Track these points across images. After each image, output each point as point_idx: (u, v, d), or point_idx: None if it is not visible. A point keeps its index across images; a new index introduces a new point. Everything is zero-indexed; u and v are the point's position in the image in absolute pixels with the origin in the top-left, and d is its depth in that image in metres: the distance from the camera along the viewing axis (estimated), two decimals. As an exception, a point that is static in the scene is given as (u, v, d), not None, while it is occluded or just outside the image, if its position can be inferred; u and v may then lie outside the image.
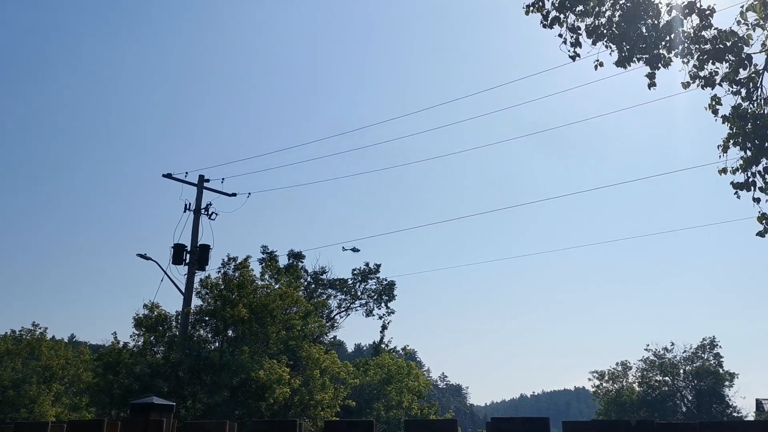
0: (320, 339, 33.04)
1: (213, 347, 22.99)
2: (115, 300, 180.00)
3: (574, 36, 9.06)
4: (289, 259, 37.76)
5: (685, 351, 46.63)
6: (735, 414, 44.18)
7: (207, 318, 23.17)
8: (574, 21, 9.03)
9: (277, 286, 25.45)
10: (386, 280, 41.55)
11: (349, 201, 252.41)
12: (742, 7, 7.89)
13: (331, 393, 23.20)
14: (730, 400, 45.15)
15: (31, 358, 37.07)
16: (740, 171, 8.31)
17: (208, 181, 28.16)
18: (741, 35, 7.92)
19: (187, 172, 27.89)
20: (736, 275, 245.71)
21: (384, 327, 42.26)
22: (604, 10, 8.71)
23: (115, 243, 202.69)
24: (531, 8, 9.21)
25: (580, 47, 9.10)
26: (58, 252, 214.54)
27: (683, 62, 8.42)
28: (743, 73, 8.09)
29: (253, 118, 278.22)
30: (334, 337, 42.54)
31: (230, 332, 23.06)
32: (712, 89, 8.37)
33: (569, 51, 9.15)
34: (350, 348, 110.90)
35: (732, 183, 8.41)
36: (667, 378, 46.32)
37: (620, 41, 8.66)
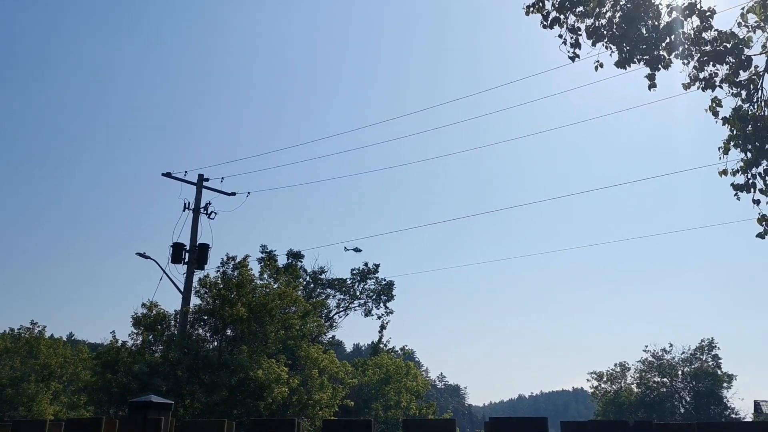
0: (319, 339, 33.04)
1: (212, 346, 22.99)
2: (113, 299, 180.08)
3: (574, 37, 9.05)
4: (288, 259, 37.78)
5: (683, 352, 46.67)
6: (733, 415, 44.19)
7: (206, 317, 23.16)
8: (574, 22, 9.03)
9: (276, 285, 25.45)
10: (385, 280, 41.60)
11: (348, 201, 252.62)
12: (742, 8, 7.90)
13: (329, 393, 23.20)
14: (728, 401, 45.18)
15: (29, 356, 37.05)
16: (740, 173, 8.32)
17: (207, 180, 28.16)
18: (741, 37, 7.92)
19: (186, 171, 27.91)
20: (735, 277, 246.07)
21: (383, 327, 42.29)
22: (604, 11, 8.71)
23: (115, 242, 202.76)
24: (531, 9, 9.21)
25: (580, 48, 9.10)
26: (57, 250, 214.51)
27: (683, 63, 8.42)
28: (743, 75, 8.10)
29: (252, 118, 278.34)
30: (333, 336, 42.58)
31: (229, 331, 23.05)
32: (713, 91, 8.37)
33: (569, 52, 9.14)
34: (349, 348, 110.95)
35: (732, 185, 8.41)
36: (665, 379, 46.32)
37: (620, 42, 8.66)
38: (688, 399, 45.84)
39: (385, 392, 34.45)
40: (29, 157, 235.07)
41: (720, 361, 46.09)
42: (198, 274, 25.33)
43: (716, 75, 8.28)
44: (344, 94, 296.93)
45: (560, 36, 9.13)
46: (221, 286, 23.12)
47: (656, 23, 8.35)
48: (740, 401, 53.18)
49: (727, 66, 8.10)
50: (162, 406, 4.99)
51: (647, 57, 8.56)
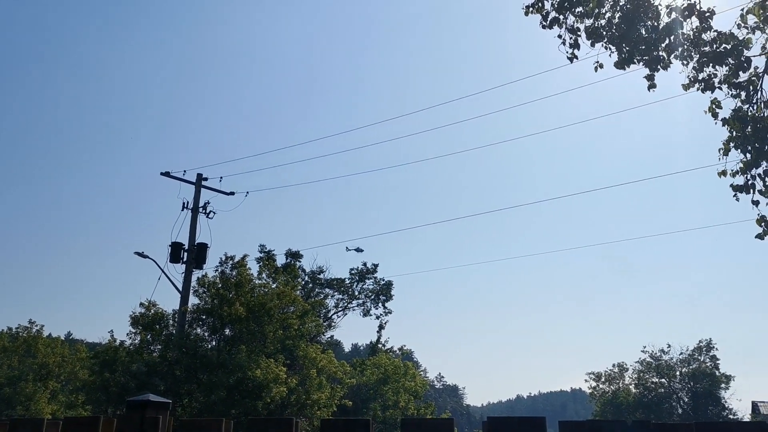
0: (317, 338, 33.03)
1: (210, 346, 22.97)
2: (112, 298, 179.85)
3: (573, 37, 9.05)
4: (286, 259, 37.74)
5: (681, 353, 46.71)
6: (731, 416, 44.22)
7: (204, 316, 23.14)
8: (573, 22, 9.02)
9: (274, 285, 25.45)
10: (384, 280, 41.58)
11: (347, 201, 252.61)
12: (742, 10, 7.89)
13: (327, 392, 23.18)
14: (726, 402, 45.23)
15: (27, 355, 37.01)
16: (740, 174, 8.31)
17: (206, 179, 28.15)
18: (741, 38, 7.92)
19: (185, 171, 27.90)
20: (733, 278, 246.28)
21: (381, 327, 42.27)
22: (604, 11, 8.70)
23: (113, 241, 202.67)
24: (530, 9, 9.20)
25: (579, 49, 9.10)
26: (56, 249, 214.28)
27: (683, 64, 8.42)
28: (743, 76, 8.09)
29: (251, 117, 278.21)
30: (331, 336, 42.60)
31: (227, 331, 23.03)
32: (712, 92, 8.37)
33: (567, 52, 9.14)
34: (347, 348, 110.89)
35: (732, 186, 8.41)
36: (663, 380, 46.36)
37: (620, 43, 8.65)
38: (686, 400, 45.87)
39: (383, 392, 34.43)
40: (27, 157, 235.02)
41: (718, 361, 46.17)
42: (196, 274, 25.34)
43: (715, 76, 8.28)
44: (343, 94, 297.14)
45: (559, 36, 9.12)
46: (220, 285, 23.10)
47: (656, 24, 8.35)
48: (738, 402, 53.19)
49: (727, 67, 8.10)
50: (160, 406, 4.98)
51: (647, 58, 8.56)
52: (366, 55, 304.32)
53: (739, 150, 8.25)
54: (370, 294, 41.26)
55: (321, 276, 39.76)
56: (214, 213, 27.55)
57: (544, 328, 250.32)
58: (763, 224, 8.28)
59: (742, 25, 7.92)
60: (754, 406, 45.21)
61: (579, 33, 9.02)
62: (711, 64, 8.18)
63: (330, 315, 39.84)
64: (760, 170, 8.18)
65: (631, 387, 47.12)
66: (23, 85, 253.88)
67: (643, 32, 8.48)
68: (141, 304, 23.23)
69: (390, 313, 41.75)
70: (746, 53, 7.94)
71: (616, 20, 8.62)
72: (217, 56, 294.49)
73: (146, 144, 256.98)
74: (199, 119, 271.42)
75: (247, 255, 24.52)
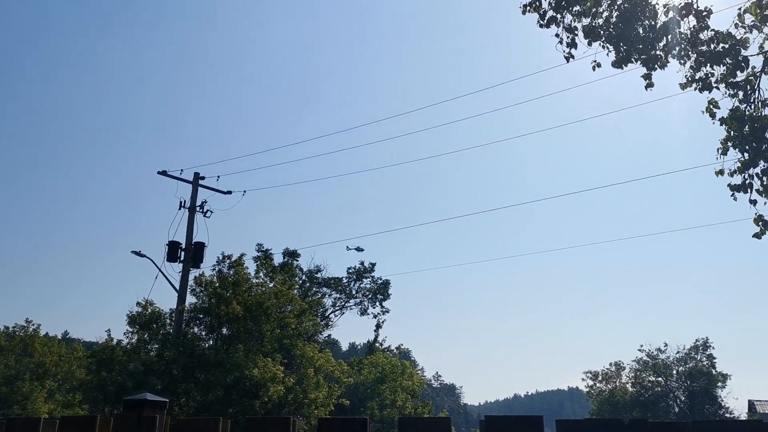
0: (315, 337, 33.02)
1: (207, 345, 22.95)
2: (109, 297, 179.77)
3: (570, 36, 9.05)
4: (284, 258, 37.71)
5: (678, 352, 46.83)
6: (727, 415, 44.33)
7: (201, 316, 23.13)
8: (571, 21, 9.02)
9: (271, 284, 25.42)
10: (381, 279, 41.59)
11: (344, 200, 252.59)
12: (739, 9, 7.90)
13: (325, 391, 23.17)
14: (722, 401, 45.35)
15: (24, 354, 36.94)
16: (737, 173, 8.32)
17: (203, 178, 28.12)
18: (738, 38, 7.92)
19: (182, 170, 27.87)
20: (730, 277, 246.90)
21: (378, 326, 42.28)
22: (601, 10, 8.71)
23: (110, 240, 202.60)
24: (528, 8, 9.19)
25: (576, 48, 9.10)
26: (53, 248, 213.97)
27: (680, 63, 8.43)
28: (740, 76, 8.10)
29: (248, 116, 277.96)
30: (329, 335, 42.58)
31: (224, 330, 23.02)
32: (709, 92, 8.37)
33: (564, 52, 9.14)
34: (344, 347, 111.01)
35: (729, 185, 8.42)
36: (660, 379, 46.47)
37: (617, 42, 8.65)
38: (683, 398, 45.99)
39: (380, 391, 34.43)
40: (24, 156, 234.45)
41: (714, 360, 46.30)
42: (194, 273, 25.33)
43: (712, 75, 8.28)
44: (339, 93, 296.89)
45: (557, 35, 9.12)
46: (217, 284, 23.08)
47: (653, 23, 8.35)
48: (734, 401, 53.53)
49: (724, 67, 8.10)
50: (157, 405, 4.98)
51: (644, 57, 8.56)
52: (362, 54, 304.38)
53: (737, 149, 8.26)
54: (368, 293, 41.27)
55: (318, 275, 39.78)
56: (212, 212, 27.54)
57: (541, 327, 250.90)
58: (760, 223, 8.29)
59: (740, 24, 7.92)
60: (751, 404, 45.38)
61: (576, 32, 9.02)
62: (708, 64, 8.19)
63: (327, 314, 39.85)
64: (757, 169, 8.19)
65: (627, 386, 47.22)
66: (20, 83, 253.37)
67: (641, 31, 8.48)
68: (138, 303, 23.22)
69: (387, 312, 41.80)
70: (744, 53, 7.95)
71: (614, 19, 8.62)
72: (213, 55, 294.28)
73: (143, 143, 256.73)
74: (197, 118, 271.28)
75: (244, 254, 24.52)
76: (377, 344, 42.11)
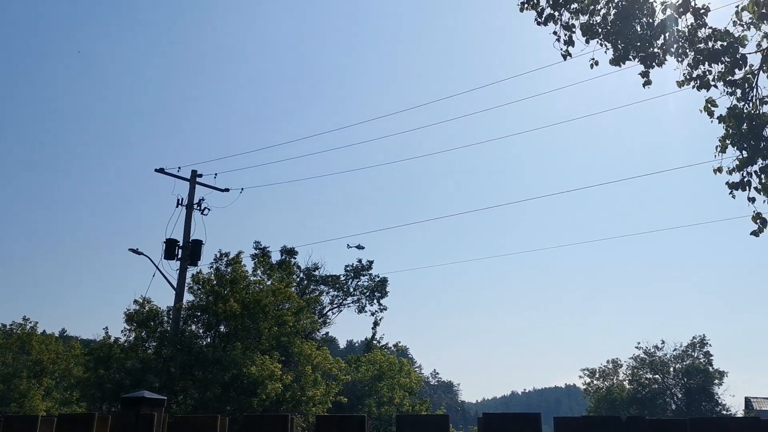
0: (312, 335, 33.06)
1: (205, 343, 22.96)
2: (106, 295, 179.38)
3: (568, 34, 9.05)
4: (281, 255, 37.73)
5: (675, 349, 46.89)
6: (724, 412, 44.46)
7: (199, 313, 23.13)
8: (568, 18, 9.02)
9: (269, 282, 25.43)
10: (379, 277, 41.64)
11: (342, 197, 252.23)
12: (737, 6, 7.91)
13: (322, 389, 23.20)
14: (719, 398, 45.46)
15: (21, 352, 36.89)
16: (736, 171, 8.34)
17: (200, 176, 28.12)
18: (736, 35, 7.93)
19: (179, 167, 27.87)
20: (728, 274, 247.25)
21: (376, 323, 42.33)
22: (599, 8, 8.71)
23: (107, 238, 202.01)
24: (525, 5, 9.19)
25: (573, 46, 9.10)
26: (50, 246, 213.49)
27: (678, 61, 8.43)
28: (738, 74, 8.11)
29: (246, 114, 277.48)
30: (326, 333, 42.60)
31: (222, 328, 23.03)
32: (707, 91, 8.38)
33: (562, 49, 9.14)
34: (342, 344, 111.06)
35: (727, 183, 8.43)
36: (657, 376, 46.55)
37: (615, 39, 8.66)
38: (680, 395, 46.09)
39: (378, 389, 34.47)
40: (21, 153, 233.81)
41: (711, 357, 46.39)
42: (191, 271, 25.35)
43: (710, 73, 8.29)
44: (336, 91, 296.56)
45: (554, 33, 9.12)
46: (214, 282, 23.09)
47: (651, 21, 8.36)
48: (731, 398, 53.56)
49: (722, 65, 8.11)
50: (155, 402, 4.98)
51: (642, 54, 8.57)
52: (359, 52, 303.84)
53: (735, 147, 8.27)
54: (365, 291, 41.33)
55: (316, 273, 39.82)
56: (209, 210, 27.55)
57: (539, 325, 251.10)
58: (758, 221, 8.31)
59: (738, 22, 7.93)
60: (748, 401, 45.51)
61: (574, 30, 9.02)
62: (706, 62, 8.20)
63: (325, 312, 39.90)
64: (756, 167, 8.20)
65: (625, 383, 47.30)
66: (17, 81, 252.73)
67: (638, 29, 8.48)
68: (135, 301, 23.22)
69: (385, 309, 41.88)
70: (741, 50, 7.95)
71: (612, 17, 8.63)
72: (210, 53, 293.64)
73: (140, 140, 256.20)
74: (194, 116, 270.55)
75: (242, 252, 24.53)
76: (375, 342, 42.15)
